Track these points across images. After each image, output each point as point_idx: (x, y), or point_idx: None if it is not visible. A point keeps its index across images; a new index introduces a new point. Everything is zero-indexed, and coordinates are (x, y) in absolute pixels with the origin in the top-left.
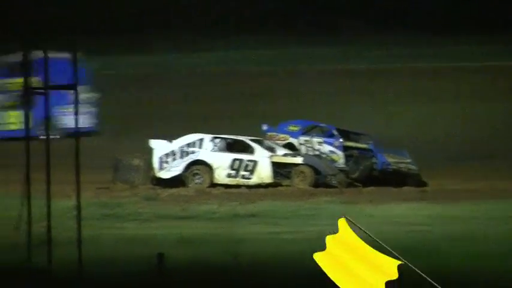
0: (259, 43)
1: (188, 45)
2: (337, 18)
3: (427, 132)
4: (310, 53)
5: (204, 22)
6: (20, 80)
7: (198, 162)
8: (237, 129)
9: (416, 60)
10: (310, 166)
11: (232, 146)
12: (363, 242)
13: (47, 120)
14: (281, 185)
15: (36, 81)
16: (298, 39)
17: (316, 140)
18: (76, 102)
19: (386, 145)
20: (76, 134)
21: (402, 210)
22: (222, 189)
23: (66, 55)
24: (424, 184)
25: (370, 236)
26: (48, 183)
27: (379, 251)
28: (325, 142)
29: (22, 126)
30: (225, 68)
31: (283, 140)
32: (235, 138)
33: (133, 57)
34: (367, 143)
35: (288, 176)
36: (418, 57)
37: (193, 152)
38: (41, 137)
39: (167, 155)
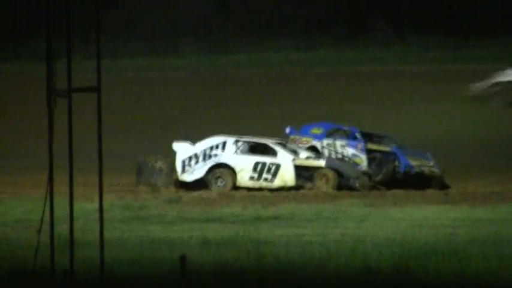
0: (284, 46)
1: (214, 47)
2: (365, 20)
3: (450, 134)
4: (335, 55)
5: (231, 24)
6: None
7: (220, 165)
8: (259, 131)
9: (444, 62)
10: (333, 169)
11: (255, 149)
12: None
13: (70, 122)
14: (304, 188)
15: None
16: (325, 41)
17: (339, 142)
18: (99, 105)
19: (410, 148)
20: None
21: (426, 213)
22: (245, 192)
23: None
24: (447, 187)
25: None
26: (71, 185)
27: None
28: (348, 145)
29: None
30: (249, 70)
31: (306, 143)
32: (258, 141)
33: (160, 59)
34: (390, 146)
35: (310, 179)
36: (446, 59)
37: (216, 155)
38: None
39: (190, 158)
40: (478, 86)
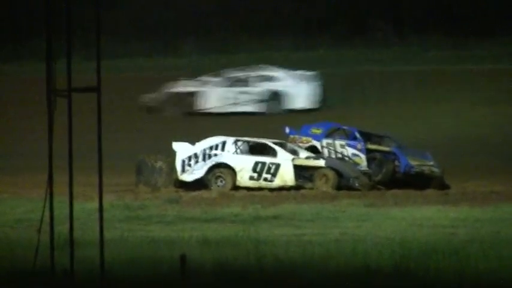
0: (284, 46)
1: (214, 47)
2: (365, 20)
3: (450, 134)
4: (335, 55)
5: (231, 24)
6: None
7: (220, 165)
8: (259, 131)
9: (444, 62)
10: (333, 169)
11: (255, 149)
12: None
13: (70, 122)
14: (304, 188)
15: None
16: (325, 41)
17: (338, 142)
18: (99, 105)
19: (410, 147)
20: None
21: (426, 213)
22: (245, 192)
23: None
24: (447, 187)
25: None
26: (71, 185)
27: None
28: (347, 145)
29: None
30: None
31: (306, 143)
32: (257, 141)
33: (160, 59)
34: (390, 146)
35: (310, 179)
36: (446, 59)
37: (215, 155)
38: None
39: (190, 158)
40: (152, 96)
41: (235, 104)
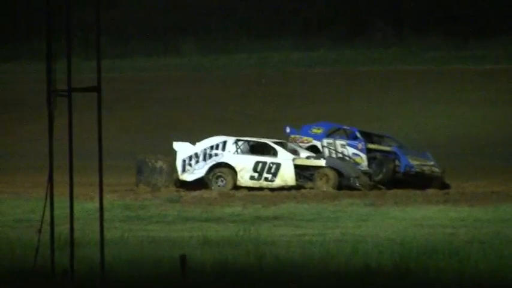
0: (284, 46)
1: (214, 47)
2: (365, 20)
3: (450, 134)
4: (335, 55)
5: (231, 24)
6: None
7: (221, 165)
8: (259, 131)
9: (443, 63)
10: (334, 169)
11: (256, 149)
12: None
13: (71, 122)
14: (304, 188)
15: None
16: (325, 41)
17: (339, 142)
18: (99, 105)
19: (410, 147)
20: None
21: (426, 213)
22: (245, 191)
23: None
24: (447, 186)
25: None
26: (71, 185)
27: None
28: (348, 144)
29: None
30: (249, 70)
31: (307, 143)
32: (258, 140)
33: (160, 59)
34: (390, 145)
35: (311, 179)
36: (445, 59)
37: (216, 155)
38: None
39: (190, 158)
40: None
41: None
